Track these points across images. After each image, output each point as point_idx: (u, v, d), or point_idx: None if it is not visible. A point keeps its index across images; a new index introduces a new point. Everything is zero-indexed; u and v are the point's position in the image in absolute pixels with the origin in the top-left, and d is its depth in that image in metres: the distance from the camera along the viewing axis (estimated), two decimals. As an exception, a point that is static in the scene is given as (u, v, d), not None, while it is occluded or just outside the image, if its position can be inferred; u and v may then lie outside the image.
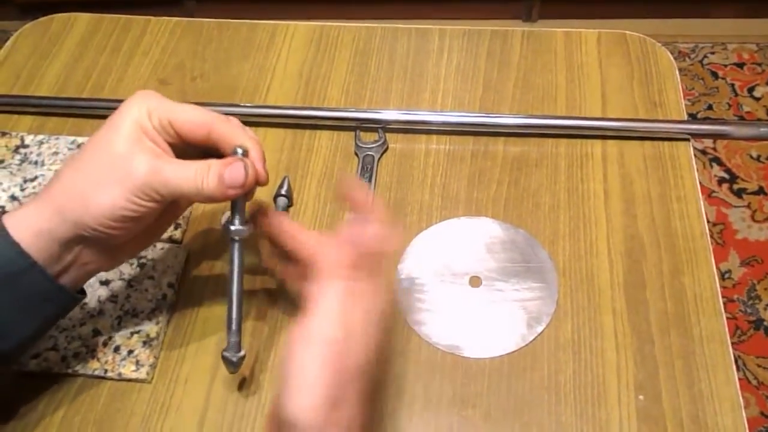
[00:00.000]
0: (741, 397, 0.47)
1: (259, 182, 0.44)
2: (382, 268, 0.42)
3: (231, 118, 0.44)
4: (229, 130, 0.43)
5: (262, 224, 0.45)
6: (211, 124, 0.43)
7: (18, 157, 0.61)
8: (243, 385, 0.49)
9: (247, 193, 0.44)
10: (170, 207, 0.46)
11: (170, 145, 0.43)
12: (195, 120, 0.43)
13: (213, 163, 0.42)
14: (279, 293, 0.52)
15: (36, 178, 0.59)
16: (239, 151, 0.43)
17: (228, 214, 0.44)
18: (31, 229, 0.40)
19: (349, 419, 0.37)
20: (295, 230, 0.44)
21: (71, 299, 0.43)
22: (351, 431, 0.37)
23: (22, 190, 0.58)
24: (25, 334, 0.42)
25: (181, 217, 0.52)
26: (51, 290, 0.41)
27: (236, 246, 0.45)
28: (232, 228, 0.44)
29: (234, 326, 0.45)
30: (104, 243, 0.42)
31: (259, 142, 0.44)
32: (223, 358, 0.45)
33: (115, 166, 0.41)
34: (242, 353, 0.45)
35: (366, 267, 0.41)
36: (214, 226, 0.56)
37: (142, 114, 0.42)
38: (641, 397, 0.47)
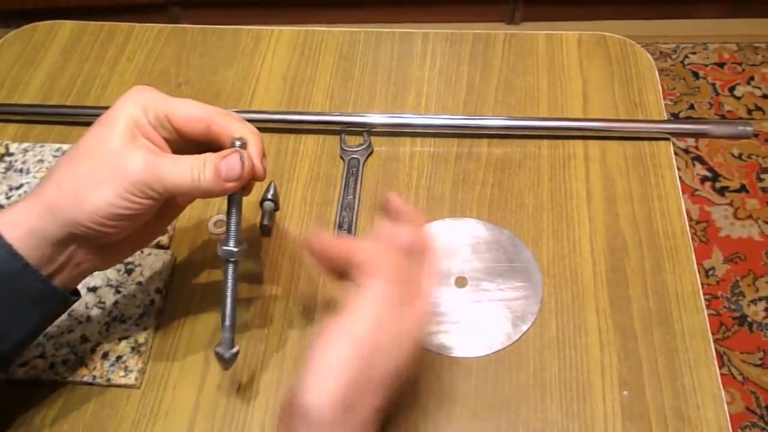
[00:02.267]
0: (723, 391, 0.48)
1: (255, 177, 0.43)
2: (431, 286, 0.40)
3: (230, 111, 0.43)
4: (228, 124, 0.42)
5: (312, 253, 0.42)
6: (210, 119, 0.42)
7: (3, 165, 0.60)
8: (233, 390, 0.49)
9: (244, 188, 0.44)
10: (168, 205, 0.45)
11: (167, 140, 0.42)
12: (194, 114, 0.42)
13: (209, 156, 0.41)
14: (274, 303, 0.53)
15: (21, 186, 0.59)
16: (237, 143, 0.42)
17: (216, 218, 0.44)
18: (22, 229, 0.39)
19: (357, 425, 0.36)
20: (343, 243, 0.41)
21: (65, 300, 0.43)
22: None
23: (8, 198, 0.58)
24: (20, 335, 0.41)
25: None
26: (44, 291, 0.40)
27: (230, 266, 0.44)
28: (225, 249, 0.43)
29: (227, 322, 0.44)
30: (98, 242, 0.41)
31: (259, 135, 0.43)
32: (216, 354, 0.45)
33: (109, 163, 0.40)
34: (235, 349, 0.45)
35: (413, 278, 0.39)
36: (202, 232, 0.57)
37: (137, 109, 0.41)
38: (625, 392, 0.48)
